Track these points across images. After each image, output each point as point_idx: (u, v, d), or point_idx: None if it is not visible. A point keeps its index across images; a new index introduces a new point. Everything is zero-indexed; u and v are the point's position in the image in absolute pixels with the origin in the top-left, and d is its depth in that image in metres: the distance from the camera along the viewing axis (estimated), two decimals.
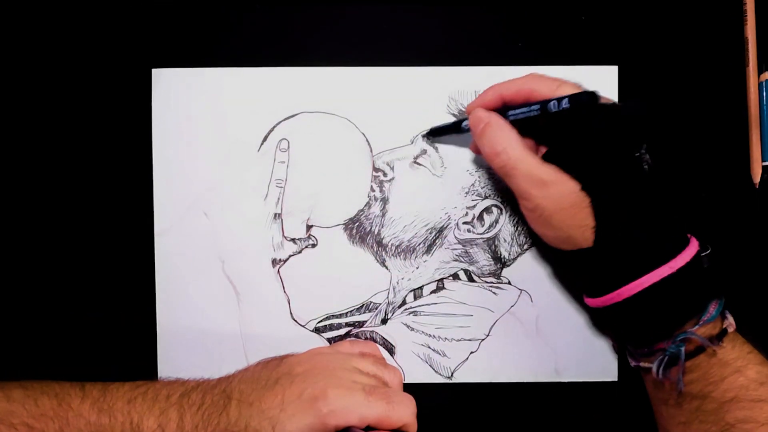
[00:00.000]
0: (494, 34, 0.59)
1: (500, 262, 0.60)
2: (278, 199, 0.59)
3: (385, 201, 0.59)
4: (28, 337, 0.59)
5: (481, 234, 0.60)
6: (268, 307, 0.59)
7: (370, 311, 0.59)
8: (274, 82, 0.59)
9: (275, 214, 0.59)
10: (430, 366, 0.59)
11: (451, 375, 0.60)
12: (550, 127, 0.51)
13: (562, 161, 0.50)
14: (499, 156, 0.51)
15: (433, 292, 0.60)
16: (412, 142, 0.59)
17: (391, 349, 0.59)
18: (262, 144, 0.59)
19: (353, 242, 0.59)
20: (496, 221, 0.59)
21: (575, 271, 0.55)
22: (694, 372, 0.49)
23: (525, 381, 0.59)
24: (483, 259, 0.60)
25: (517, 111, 0.51)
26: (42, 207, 0.59)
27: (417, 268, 0.60)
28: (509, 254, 0.60)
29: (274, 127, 0.59)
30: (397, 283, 0.60)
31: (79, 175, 0.59)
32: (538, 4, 0.59)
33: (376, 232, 0.59)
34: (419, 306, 0.60)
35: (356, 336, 0.59)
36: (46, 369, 0.57)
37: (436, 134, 0.59)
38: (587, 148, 0.49)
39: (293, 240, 0.59)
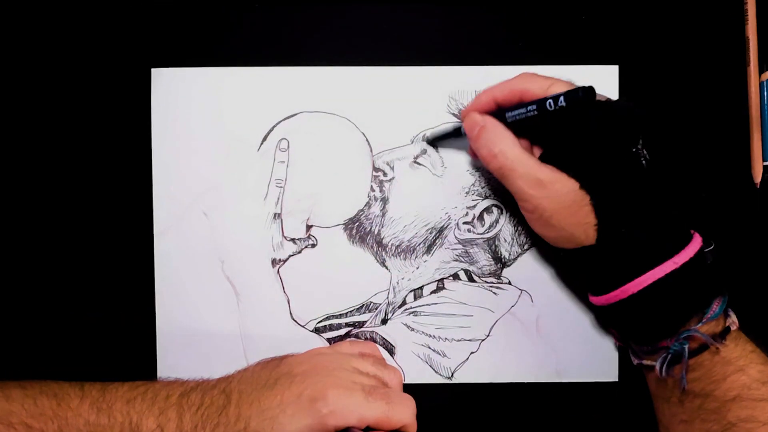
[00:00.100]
0: (494, 33, 0.59)
1: (500, 262, 0.60)
2: (278, 199, 0.59)
3: (385, 201, 0.59)
4: (27, 336, 0.59)
5: (481, 234, 0.59)
6: (267, 308, 0.59)
7: (370, 311, 0.59)
8: (274, 82, 0.59)
9: (275, 214, 0.59)
10: (430, 366, 0.59)
11: (452, 375, 0.59)
12: (546, 128, 0.51)
13: (559, 161, 0.50)
14: (496, 158, 0.51)
15: (434, 292, 0.60)
16: (412, 142, 0.59)
17: (391, 350, 0.59)
18: (261, 144, 0.59)
19: (353, 242, 0.59)
20: (497, 221, 0.59)
21: (578, 270, 0.55)
22: (697, 370, 0.49)
23: (525, 381, 0.59)
24: (483, 259, 0.60)
25: (515, 112, 0.51)
26: (41, 207, 0.59)
27: (417, 268, 0.60)
28: (509, 254, 0.60)
29: (274, 126, 0.59)
30: (397, 283, 0.59)
31: (79, 175, 0.59)
32: (539, 4, 0.59)
33: (376, 232, 0.59)
34: (419, 306, 0.60)
35: (356, 336, 0.59)
36: (46, 369, 0.57)
37: (435, 140, 0.59)
38: (584, 146, 0.49)
39: (293, 240, 0.59)
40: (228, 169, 0.59)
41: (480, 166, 0.59)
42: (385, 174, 0.59)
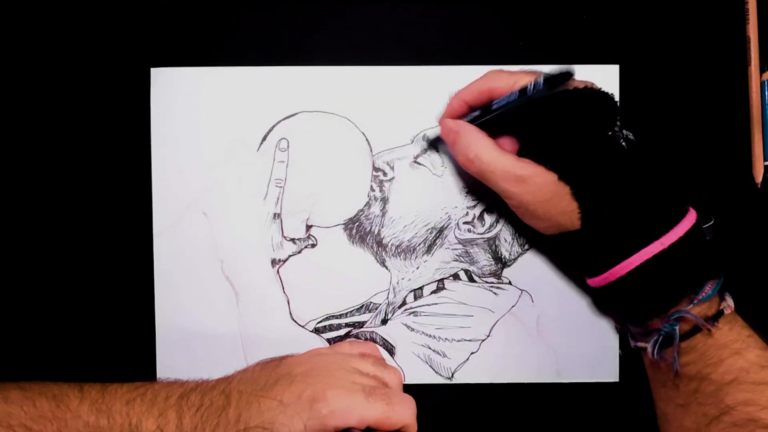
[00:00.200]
0: (494, 33, 0.59)
1: (501, 262, 0.59)
2: (278, 198, 0.59)
3: (385, 201, 0.59)
4: (26, 337, 0.59)
5: (481, 234, 0.59)
6: (267, 308, 0.59)
7: (370, 311, 0.59)
8: (274, 82, 0.59)
9: (275, 214, 0.59)
10: (431, 366, 0.59)
11: (452, 376, 0.59)
12: (522, 123, 0.51)
13: (535, 154, 0.50)
14: (473, 162, 0.51)
15: (434, 292, 0.60)
16: (412, 142, 0.59)
17: (391, 350, 0.59)
18: (261, 143, 0.59)
19: (353, 242, 0.59)
20: (497, 221, 0.59)
21: (570, 254, 0.56)
22: (691, 353, 0.49)
23: (526, 382, 0.59)
24: (483, 259, 0.59)
25: (499, 100, 0.51)
26: (40, 206, 0.59)
27: (417, 268, 0.59)
28: (510, 254, 0.59)
29: (274, 126, 0.59)
30: (397, 283, 0.59)
31: (78, 175, 0.59)
32: (539, 3, 0.59)
33: (376, 232, 0.59)
34: (419, 306, 0.59)
35: (356, 336, 0.59)
36: (45, 369, 0.57)
37: (434, 144, 0.59)
38: (557, 136, 0.50)
39: (293, 240, 0.59)
40: (227, 168, 0.59)
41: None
42: (385, 174, 0.59)
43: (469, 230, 0.59)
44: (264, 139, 0.59)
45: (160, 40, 0.59)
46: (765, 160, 0.59)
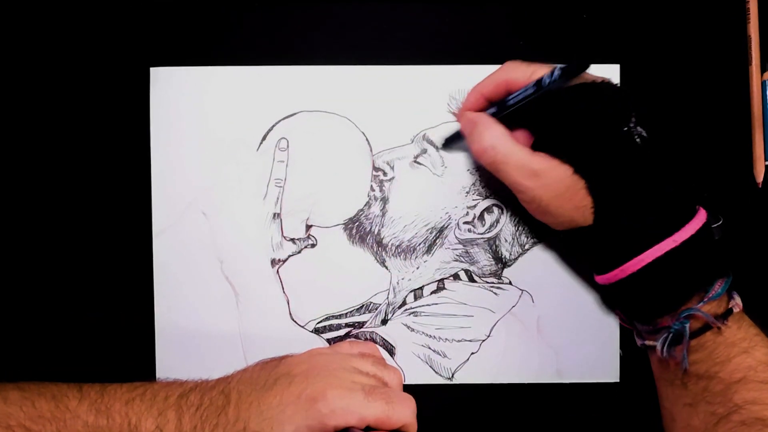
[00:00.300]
0: (495, 32, 0.59)
1: (501, 262, 0.59)
2: (277, 198, 0.59)
3: (385, 200, 0.59)
4: (25, 337, 0.58)
5: (481, 234, 0.59)
6: (267, 308, 0.59)
7: (370, 312, 0.59)
8: (273, 81, 0.58)
9: (274, 214, 0.59)
10: (431, 367, 0.59)
11: (452, 376, 0.59)
12: (538, 116, 0.51)
13: (550, 147, 0.50)
14: (487, 152, 0.51)
15: (434, 292, 0.59)
16: (412, 141, 0.59)
17: (391, 350, 0.59)
18: (261, 143, 0.59)
19: (353, 242, 0.59)
20: (497, 221, 0.59)
21: (581, 250, 0.55)
22: (700, 351, 0.49)
23: (526, 382, 0.59)
24: (484, 259, 0.59)
25: (515, 94, 0.51)
26: (39, 206, 0.58)
27: (417, 268, 0.59)
28: (510, 254, 0.59)
29: (274, 126, 0.59)
30: (397, 283, 0.59)
31: (77, 175, 0.58)
32: (540, 3, 0.59)
33: (376, 232, 0.59)
34: (419, 306, 0.59)
35: (356, 337, 0.59)
36: (44, 370, 0.57)
37: (450, 143, 0.59)
38: (573, 130, 0.49)
39: (292, 240, 0.59)
40: (227, 168, 0.59)
41: (480, 165, 0.59)
42: (385, 173, 0.59)
43: (469, 230, 0.59)
44: (264, 138, 0.59)
45: (160, 40, 0.59)
46: (766, 160, 0.59)
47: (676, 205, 0.49)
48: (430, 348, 0.59)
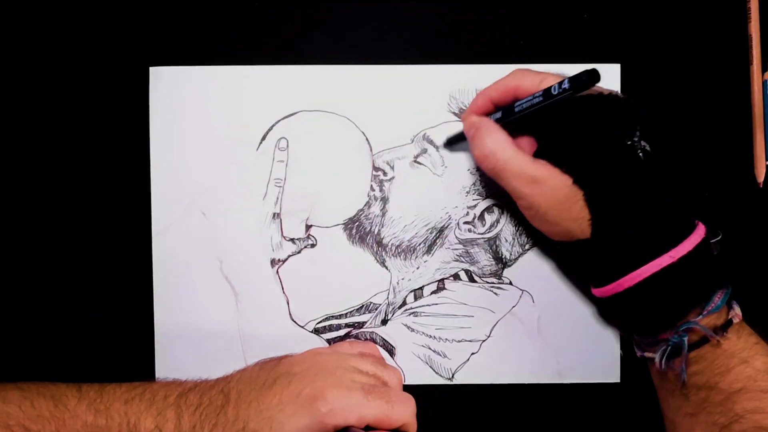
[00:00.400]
0: (495, 31, 0.59)
1: (501, 262, 0.59)
2: (277, 198, 0.59)
3: (385, 200, 0.59)
4: (24, 337, 0.58)
5: (482, 234, 0.59)
6: (266, 308, 0.59)
7: (369, 312, 0.59)
8: (273, 81, 0.58)
9: (274, 214, 0.59)
10: (431, 367, 0.59)
11: (452, 376, 0.59)
12: (542, 124, 0.51)
13: (552, 156, 0.50)
14: (488, 159, 0.51)
15: (434, 292, 0.59)
16: (412, 141, 0.59)
17: (391, 350, 0.59)
18: (260, 143, 0.59)
19: (353, 242, 0.59)
20: (498, 221, 0.59)
21: (578, 262, 0.55)
22: (699, 363, 0.49)
23: (526, 382, 0.59)
24: (484, 259, 0.59)
25: (522, 101, 0.51)
26: (38, 206, 0.58)
27: (417, 268, 0.59)
28: (510, 254, 0.59)
29: (273, 125, 0.59)
30: (397, 283, 0.59)
31: (76, 174, 0.58)
32: (540, 2, 0.59)
33: (376, 232, 0.59)
34: (419, 306, 0.59)
35: (356, 337, 0.59)
36: (43, 369, 0.57)
37: (452, 143, 0.59)
38: (577, 140, 0.49)
39: (292, 240, 0.59)
40: (227, 168, 0.58)
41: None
42: (385, 173, 0.59)
43: (469, 230, 0.59)
44: (263, 138, 0.59)
45: (159, 39, 0.59)
46: (766, 160, 0.59)
47: (674, 220, 0.49)
48: (430, 348, 0.59)
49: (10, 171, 0.58)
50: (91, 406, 0.48)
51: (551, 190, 0.49)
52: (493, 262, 0.59)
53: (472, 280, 0.59)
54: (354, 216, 0.59)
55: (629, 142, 0.49)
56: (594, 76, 0.46)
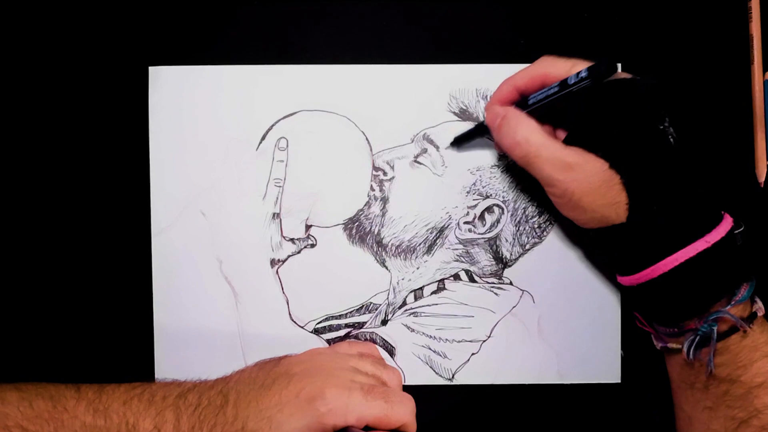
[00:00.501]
0: (495, 31, 0.59)
1: (502, 263, 0.59)
2: (277, 198, 0.59)
3: (385, 200, 0.59)
4: (23, 337, 0.58)
5: (482, 234, 0.59)
6: (266, 308, 0.59)
7: (369, 312, 0.59)
8: (273, 80, 0.58)
9: (274, 214, 0.59)
10: (431, 367, 0.59)
11: (452, 377, 0.59)
12: (569, 109, 0.51)
13: (585, 141, 0.49)
14: (520, 146, 0.50)
15: (434, 292, 0.59)
16: (412, 141, 0.59)
17: (391, 351, 0.59)
18: (260, 143, 0.58)
19: (353, 242, 0.59)
20: (498, 221, 0.59)
21: (608, 250, 0.53)
22: (724, 354, 0.49)
23: (527, 383, 0.59)
24: (484, 260, 0.59)
25: (537, 93, 0.51)
26: (38, 206, 0.58)
27: (417, 268, 0.59)
28: (511, 254, 0.59)
29: (273, 125, 0.59)
30: (398, 283, 0.59)
31: (76, 174, 0.58)
32: (541, 1, 0.59)
33: (376, 232, 0.59)
34: (420, 307, 0.59)
35: (356, 337, 0.59)
36: (42, 370, 0.57)
37: (461, 142, 0.58)
38: (610, 125, 0.49)
39: (292, 240, 0.59)
40: (226, 168, 0.58)
41: (483, 162, 0.59)
42: (385, 173, 0.59)
43: (469, 230, 0.59)
44: (263, 138, 0.58)
45: (159, 39, 0.58)
46: None
47: (706, 206, 0.49)
48: (430, 348, 0.59)
49: (9, 171, 0.58)
50: (89, 406, 0.48)
51: (587, 175, 0.48)
52: (494, 262, 0.59)
53: (472, 280, 0.59)
54: (354, 216, 0.59)
55: (661, 127, 0.48)
56: (612, 66, 0.47)
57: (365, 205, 0.59)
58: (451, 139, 0.58)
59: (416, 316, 0.59)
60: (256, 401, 0.47)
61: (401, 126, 0.59)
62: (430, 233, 0.59)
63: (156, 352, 0.58)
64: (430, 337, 0.59)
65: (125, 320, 0.58)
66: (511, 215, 0.59)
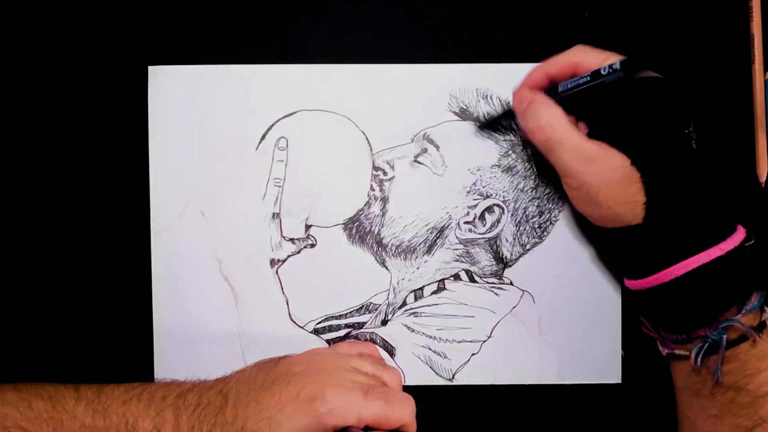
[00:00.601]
0: (496, 31, 0.59)
1: (502, 263, 0.59)
2: (276, 198, 0.58)
3: (385, 200, 0.59)
4: (22, 338, 0.58)
5: (482, 234, 0.59)
6: (266, 308, 0.58)
7: (369, 312, 0.59)
8: (273, 80, 0.58)
9: (273, 214, 0.58)
10: (431, 368, 0.59)
11: (452, 377, 0.59)
12: (597, 102, 0.50)
13: (610, 136, 0.49)
14: (543, 129, 0.50)
15: (434, 292, 0.59)
16: (412, 141, 0.59)
17: (391, 351, 0.59)
18: (260, 142, 0.58)
19: (353, 242, 0.59)
20: (498, 221, 0.59)
21: (619, 251, 0.53)
22: (732, 363, 0.48)
23: (527, 383, 0.59)
24: (485, 260, 0.59)
25: (567, 82, 0.50)
26: (37, 206, 0.58)
27: (417, 268, 0.59)
28: (511, 254, 0.59)
29: (273, 125, 0.58)
30: (398, 283, 0.59)
31: (75, 174, 0.58)
32: (541, 1, 0.59)
33: (376, 232, 0.59)
34: (420, 307, 0.59)
35: (356, 337, 0.59)
36: (41, 370, 0.57)
37: (488, 126, 0.58)
38: (637, 121, 0.48)
39: (292, 240, 0.59)
40: (226, 168, 0.58)
41: (483, 162, 0.58)
42: (385, 173, 0.59)
43: (470, 230, 0.59)
44: (263, 137, 0.58)
45: (158, 38, 0.58)
46: None
47: (721, 215, 0.49)
48: (430, 349, 0.59)
49: (8, 170, 0.58)
50: (89, 406, 0.48)
51: (606, 170, 0.48)
52: (494, 262, 0.59)
53: (472, 280, 0.59)
54: (354, 216, 0.59)
55: (686, 131, 0.48)
56: (646, 61, 0.46)
57: (365, 204, 0.59)
58: (452, 136, 0.58)
59: (416, 316, 0.59)
60: (256, 401, 0.47)
61: (401, 126, 0.59)
62: (430, 233, 0.59)
63: (155, 352, 0.58)
64: (430, 337, 0.59)
65: (124, 320, 0.58)
66: (512, 215, 0.59)
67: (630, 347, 0.58)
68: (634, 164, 0.48)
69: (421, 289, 0.59)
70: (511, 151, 0.59)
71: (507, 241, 0.59)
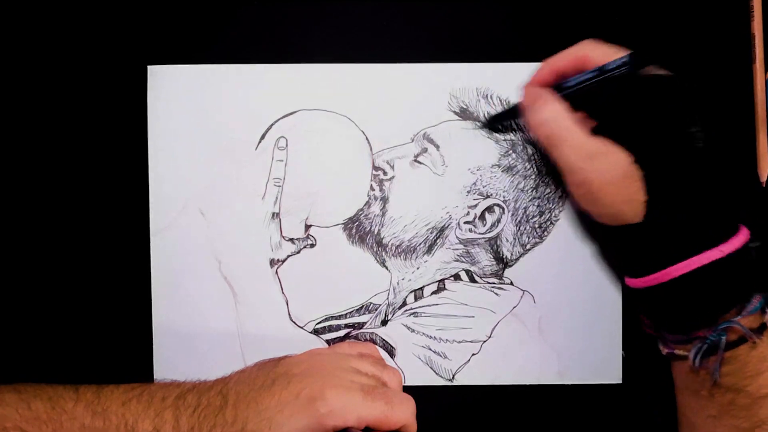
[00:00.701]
0: (496, 30, 0.59)
1: (502, 263, 0.59)
2: (276, 198, 0.58)
3: (385, 200, 0.59)
4: (21, 338, 0.58)
5: (482, 234, 0.59)
6: (266, 309, 0.58)
7: (369, 312, 0.59)
8: (272, 79, 0.58)
9: (273, 214, 0.58)
10: (431, 368, 0.59)
11: (453, 377, 0.59)
12: (603, 98, 0.50)
13: (613, 132, 0.48)
14: (547, 124, 0.49)
15: (434, 292, 0.59)
16: (412, 140, 0.59)
17: (391, 351, 0.59)
18: (259, 142, 0.58)
19: (353, 242, 0.59)
20: (498, 221, 0.59)
21: (619, 249, 0.53)
22: (731, 364, 0.48)
23: (527, 383, 0.59)
24: (485, 260, 0.59)
25: (574, 77, 0.50)
26: (36, 206, 0.58)
27: (417, 268, 0.59)
28: (511, 254, 0.59)
29: (272, 124, 0.58)
30: (398, 283, 0.59)
31: (74, 174, 0.58)
32: (541, 1, 0.59)
33: (375, 232, 0.59)
34: (420, 307, 0.59)
35: (356, 337, 0.59)
36: (40, 371, 0.57)
37: (495, 122, 0.58)
38: (642, 118, 0.48)
39: (292, 240, 0.58)
40: (225, 167, 0.58)
41: (483, 162, 0.58)
42: (385, 173, 0.59)
43: (470, 230, 0.59)
44: (262, 137, 0.58)
45: (158, 38, 0.58)
46: None
47: (724, 216, 0.48)
48: (430, 349, 0.59)
49: (7, 170, 0.58)
50: (88, 407, 0.48)
51: (609, 167, 0.48)
52: (494, 262, 0.59)
53: (472, 280, 0.59)
54: (354, 216, 0.59)
55: (692, 131, 0.48)
56: (652, 56, 0.46)
57: (365, 204, 0.59)
58: (452, 136, 0.58)
59: (416, 317, 0.59)
60: (256, 402, 0.47)
61: (401, 125, 0.58)
62: (431, 233, 0.59)
63: (155, 353, 0.58)
64: (431, 337, 0.59)
65: (124, 320, 0.58)
66: (512, 215, 0.59)
67: (630, 347, 0.58)
68: (637, 162, 0.47)
69: (421, 289, 0.59)
70: (511, 151, 0.59)
71: (507, 241, 0.59)
